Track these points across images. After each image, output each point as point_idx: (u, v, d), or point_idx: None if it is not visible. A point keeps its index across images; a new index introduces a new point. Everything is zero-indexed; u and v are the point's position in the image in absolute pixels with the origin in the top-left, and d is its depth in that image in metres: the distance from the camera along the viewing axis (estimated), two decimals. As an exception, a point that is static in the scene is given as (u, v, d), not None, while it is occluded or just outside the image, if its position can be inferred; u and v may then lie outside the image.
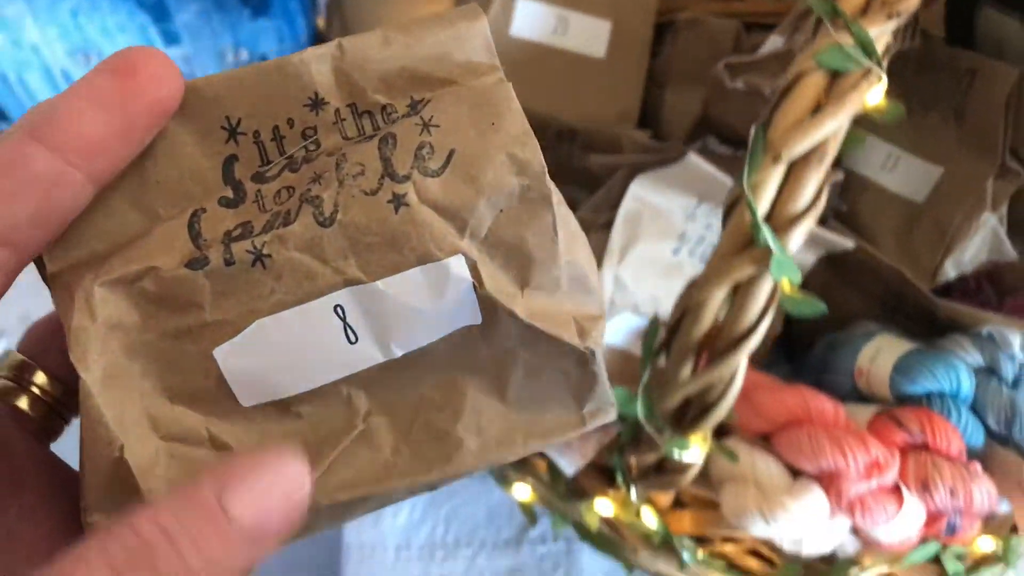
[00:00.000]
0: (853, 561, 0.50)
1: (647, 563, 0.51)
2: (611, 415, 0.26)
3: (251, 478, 0.21)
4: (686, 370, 0.39)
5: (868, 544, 0.49)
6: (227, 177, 0.24)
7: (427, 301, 0.24)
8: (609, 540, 0.53)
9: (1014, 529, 0.51)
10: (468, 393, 0.25)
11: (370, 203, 0.23)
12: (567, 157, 0.64)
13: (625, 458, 0.45)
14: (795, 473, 0.48)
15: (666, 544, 0.48)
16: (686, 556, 0.49)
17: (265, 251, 0.23)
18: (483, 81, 0.25)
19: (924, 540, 0.50)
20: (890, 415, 0.49)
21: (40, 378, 0.28)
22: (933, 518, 0.49)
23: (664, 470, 0.44)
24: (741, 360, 0.37)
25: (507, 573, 0.67)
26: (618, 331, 0.54)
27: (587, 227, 0.44)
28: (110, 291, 0.23)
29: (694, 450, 0.41)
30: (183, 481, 0.23)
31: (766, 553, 0.51)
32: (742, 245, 0.37)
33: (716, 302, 0.37)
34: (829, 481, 0.47)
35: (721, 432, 0.50)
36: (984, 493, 0.47)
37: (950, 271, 0.59)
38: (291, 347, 0.24)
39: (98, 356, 0.23)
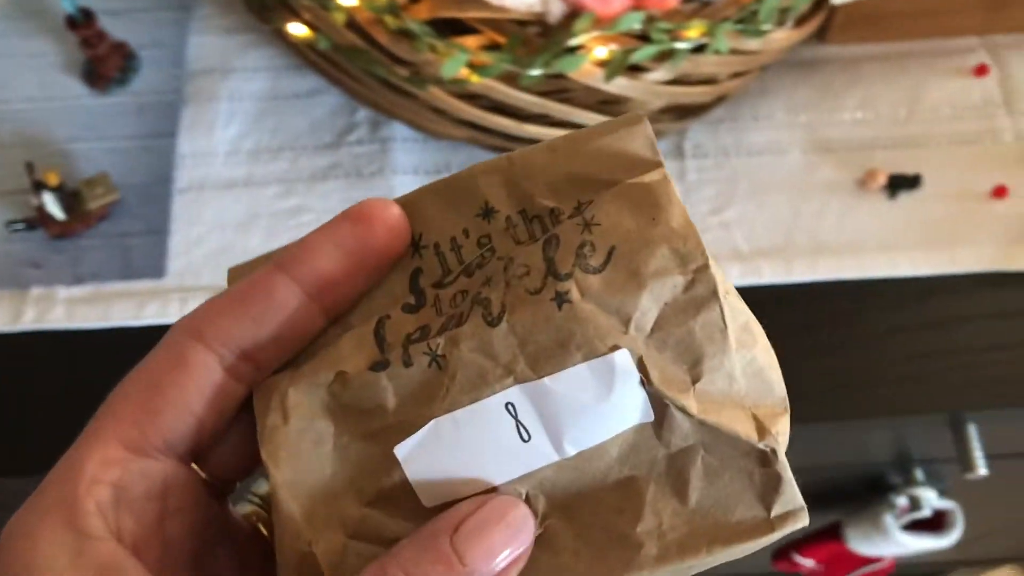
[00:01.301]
0: (567, 31, 0.56)
1: (388, 61, 0.58)
2: (803, 520, 0.25)
3: (483, 523, 0.23)
4: None
5: (576, 8, 0.56)
6: (412, 287, 0.26)
7: (595, 397, 0.24)
8: (359, 51, 0.60)
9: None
10: (647, 495, 0.25)
11: (535, 302, 0.24)
12: None
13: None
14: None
15: (406, 32, 0.55)
16: (429, 38, 0.56)
17: (439, 352, 0.24)
18: (644, 178, 0.25)
19: (630, 10, 0.57)
20: None
21: None
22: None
23: None
24: None
25: (327, 168, 0.75)
26: None
27: None
28: (303, 394, 0.25)
29: None
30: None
31: (497, 38, 0.58)
32: None
33: None
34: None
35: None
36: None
37: None
38: (467, 446, 0.24)
39: (288, 455, 0.25)
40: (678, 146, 0.75)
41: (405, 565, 0.22)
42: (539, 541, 0.25)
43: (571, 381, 0.24)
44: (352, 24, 0.61)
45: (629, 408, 0.24)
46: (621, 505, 0.25)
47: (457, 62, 0.57)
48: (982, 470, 0.70)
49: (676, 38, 0.59)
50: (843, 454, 0.87)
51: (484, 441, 0.24)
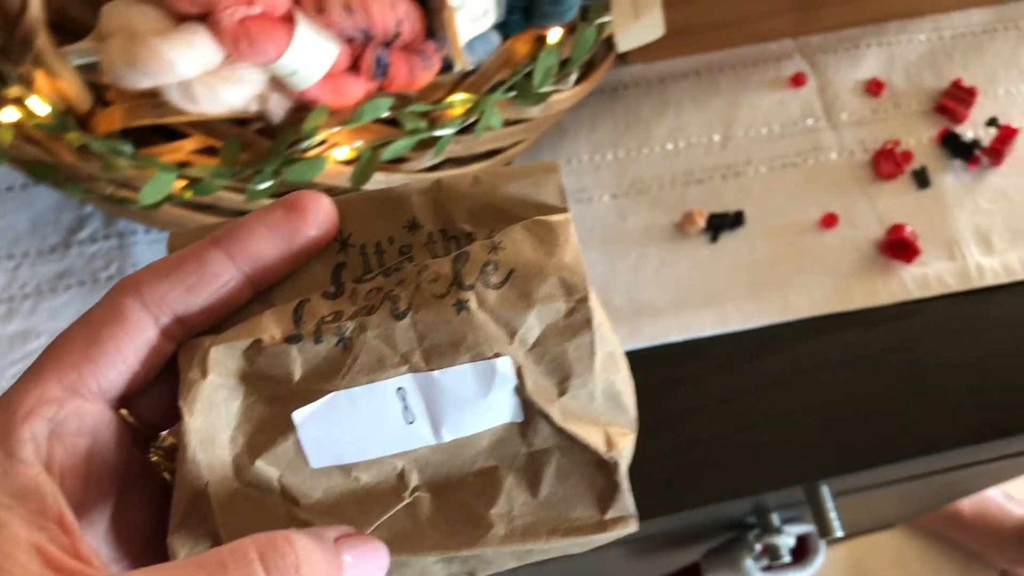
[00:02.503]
0: (298, 137, 0.45)
1: (85, 178, 0.46)
2: (632, 527, 0.29)
3: (363, 549, 0.27)
4: None
5: (307, 102, 0.45)
6: (334, 278, 0.29)
7: (475, 394, 0.28)
8: (46, 166, 0.47)
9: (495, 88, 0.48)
10: (505, 484, 0.29)
11: (438, 304, 0.28)
12: None
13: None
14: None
15: (89, 148, 0.43)
16: (122, 157, 0.43)
17: (347, 334, 0.28)
18: (550, 218, 0.29)
19: (374, 96, 0.46)
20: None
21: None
22: (356, 54, 0.44)
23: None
24: None
25: (55, 278, 0.61)
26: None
27: None
28: (222, 355, 0.28)
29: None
30: (254, 518, 0.28)
31: (210, 142, 0.47)
32: None
33: None
34: (212, 16, 0.42)
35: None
36: (391, 7, 0.43)
37: None
38: (358, 419, 0.28)
39: (201, 406, 0.28)
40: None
41: (299, 552, 0.24)
42: (406, 509, 0.28)
43: (457, 377, 0.28)
44: (31, 137, 0.48)
45: (503, 408, 0.28)
46: (481, 489, 0.29)
47: (159, 186, 0.45)
48: (839, 532, 0.64)
49: (436, 121, 0.48)
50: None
51: (373, 418, 0.28)
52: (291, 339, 0.28)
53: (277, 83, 0.45)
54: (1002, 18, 0.72)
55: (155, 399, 0.30)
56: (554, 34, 0.50)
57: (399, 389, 0.28)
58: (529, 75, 0.49)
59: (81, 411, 0.27)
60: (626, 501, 0.29)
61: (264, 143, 0.47)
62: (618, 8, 0.50)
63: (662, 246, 0.65)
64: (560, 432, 0.28)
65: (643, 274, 0.64)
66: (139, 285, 0.28)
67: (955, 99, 0.68)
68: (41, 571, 0.24)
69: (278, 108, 0.46)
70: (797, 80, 0.69)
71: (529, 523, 0.28)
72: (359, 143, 0.47)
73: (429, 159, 0.49)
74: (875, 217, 0.65)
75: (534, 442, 0.29)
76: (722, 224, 0.65)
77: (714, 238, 0.65)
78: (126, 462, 0.29)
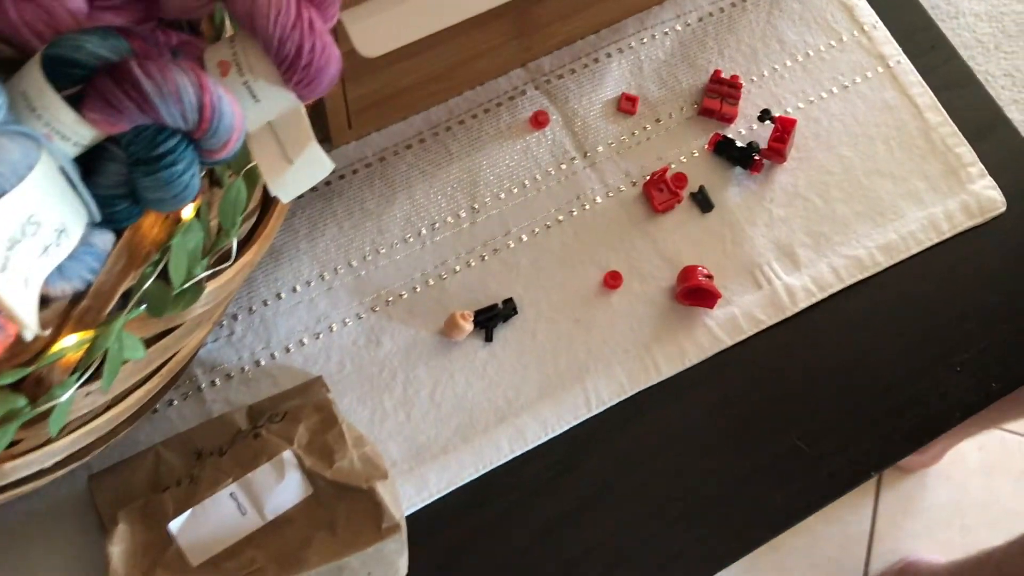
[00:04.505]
0: None
1: None
2: (402, 531, 0.48)
3: None
4: None
5: None
6: (197, 462, 0.51)
7: (276, 480, 0.49)
8: None
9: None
10: (316, 534, 0.48)
11: (245, 440, 0.50)
12: None
13: None
14: None
15: None
16: None
17: (195, 473, 0.49)
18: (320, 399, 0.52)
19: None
20: None
21: None
22: None
23: None
24: None
25: None
26: None
27: None
28: (129, 513, 0.49)
29: None
30: None
31: None
32: None
33: None
34: None
35: None
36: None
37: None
38: (211, 521, 0.48)
39: (119, 539, 0.47)
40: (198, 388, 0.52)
41: None
42: (258, 572, 0.47)
43: (263, 474, 0.49)
44: None
45: (297, 486, 0.49)
46: (302, 539, 0.48)
47: None
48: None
49: (42, 386, 0.35)
50: None
51: (220, 518, 0.48)
52: (165, 491, 0.49)
53: None
54: (747, -18, 0.63)
55: None
56: (187, 209, 0.37)
57: (231, 493, 0.48)
58: (165, 272, 0.37)
59: None
60: (390, 514, 0.48)
61: None
62: (262, 158, 0.38)
63: (431, 364, 0.53)
64: (336, 486, 0.48)
65: (416, 407, 0.53)
66: None
67: (718, 96, 0.59)
68: None
69: None
70: (538, 120, 0.58)
71: (335, 551, 0.47)
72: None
73: (49, 433, 0.36)
74: (662, 262, 0.56)
75: (325, 502, 0.49)
76: (493, 319, 0.54)
77: (488, 338, 0.54)
78: None
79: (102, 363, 0.36)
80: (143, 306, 0.37)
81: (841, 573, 1.20)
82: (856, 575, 1.20)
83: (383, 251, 0.55)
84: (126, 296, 0.37)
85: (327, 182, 0.56)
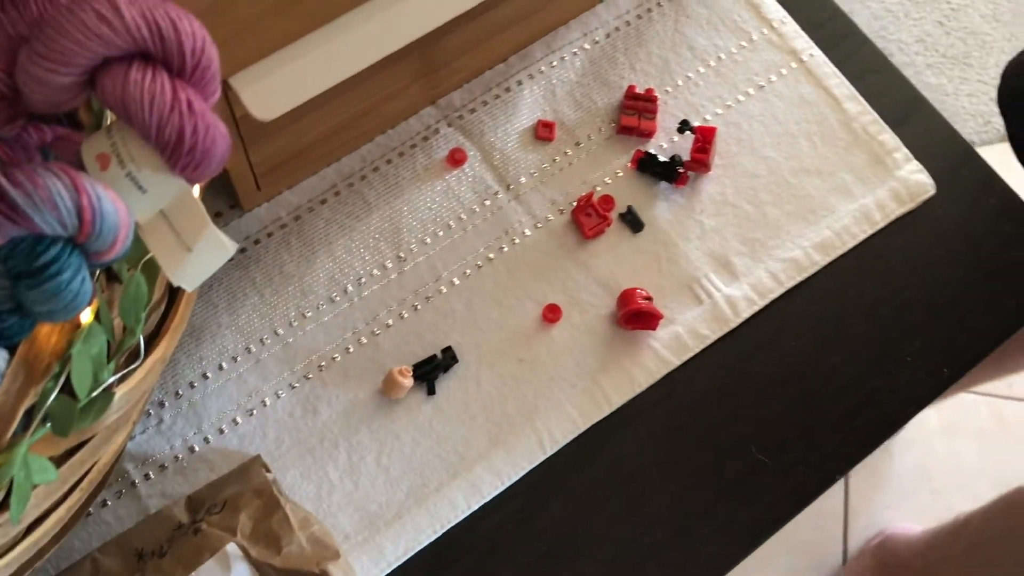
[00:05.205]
0: None
1: None
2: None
3: None
4: None
5: None
6: (139, 564, 0.47)
7: (223, 574, 0.46)
8: None
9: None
10: None
11: (185, 536, 0.47)
12: None
13: None
14: None
15: None
16: None
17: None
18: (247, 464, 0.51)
19: None
20: None
21: None
22: None
23: None
24: None
25: None
26: None
27: None
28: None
29: None
30: None
31: None
32: None
33: None
34: None
35: None
36: None
37: None
38: None
39: None
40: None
41: None
42: None
43: (208, 571, 0.46)
44: None
45: None
46: None
47: None
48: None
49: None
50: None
51: None
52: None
53: None
54: (650, -9, 0.62)
55: None
56: (84, 313, 0.35)
57: None
58: (69, 383, 0.34)
59: None
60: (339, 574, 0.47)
61: None
62: (159, 248, 0.35)
63: (373, 427, 0.51)
64: (286, 573, 0.46)
65: (363, 474, 0.50)
66: None
67: (635, 112, 0.58)
68: None
69: None
70: (455, 158, 0.56)
71: None
72: None
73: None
74: (599, 288, 0.54)
75: None
76: (433, 371, 0.52)
77: (431, 391, 0.52)
78: None
79: (9, 493, 0.33)
80: (48, 425, 0.34)
81: (821, 555, 1.19)
82: (836, 554, 1.19)
83: (309, 315, 0.53)
84: (28, 415, 0.34)
85: (242, 249, 0.54)
